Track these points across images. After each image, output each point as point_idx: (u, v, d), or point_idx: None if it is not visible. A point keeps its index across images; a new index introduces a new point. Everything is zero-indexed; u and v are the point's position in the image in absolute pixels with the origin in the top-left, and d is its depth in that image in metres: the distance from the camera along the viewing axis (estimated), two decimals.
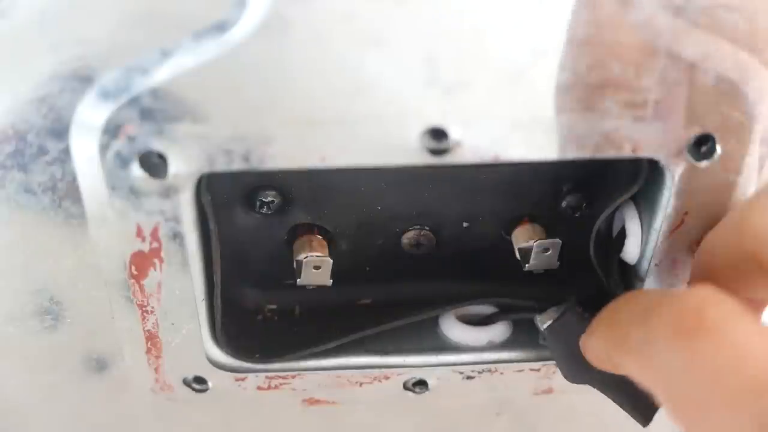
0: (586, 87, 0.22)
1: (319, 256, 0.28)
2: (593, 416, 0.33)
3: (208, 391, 0.30)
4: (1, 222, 0.25)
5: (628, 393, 0.26)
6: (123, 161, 0.23)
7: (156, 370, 0.30)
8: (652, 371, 0.20)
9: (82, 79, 0.22)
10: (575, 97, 0.22)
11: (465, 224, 0.30)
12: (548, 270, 0.30)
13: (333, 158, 0.23)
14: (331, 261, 0.28)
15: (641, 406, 0.26)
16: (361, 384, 0.31)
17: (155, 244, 0.25)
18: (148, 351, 0.29)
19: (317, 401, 0.32)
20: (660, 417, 0.26)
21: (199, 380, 0.30)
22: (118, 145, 0.23)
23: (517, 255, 0.29)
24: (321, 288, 0.29)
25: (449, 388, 0.31)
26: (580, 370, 0.26)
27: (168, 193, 0.24)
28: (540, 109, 0.23)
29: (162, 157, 0.23)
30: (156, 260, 0.26)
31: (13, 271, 0.27)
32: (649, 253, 0.27)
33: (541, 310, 0.28)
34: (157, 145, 0.23)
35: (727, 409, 0.18)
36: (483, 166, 0.25)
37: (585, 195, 0.29)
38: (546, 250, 0.29)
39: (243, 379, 0.30)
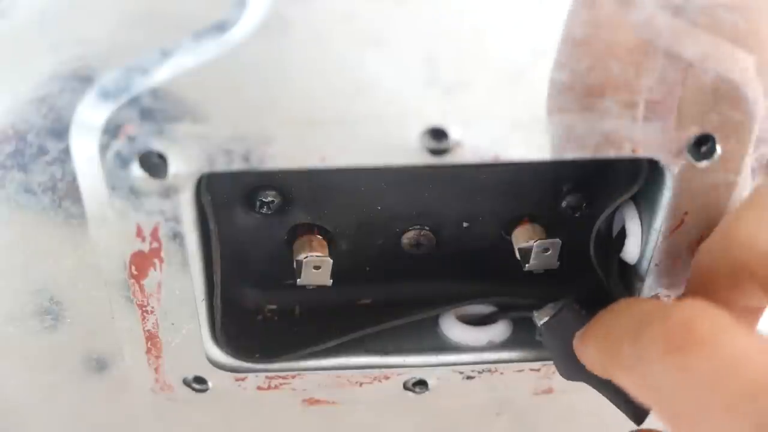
0: (586, 87, 0.22)
1: (319, 256, 0.28)
2: (593, 416, 0.33)
3: (208, 391, 0.30)
4: (1, 222, 0.25)
5: (622, 392, 0.26)
6: (123, 161, 0.23)
7: (156, 370, 0.30)
8: (646, 388, 0.21)
9: (82, 79, 0.22)
10: (575, 97, 0.22)
11: (465, 224, 0.30)
12: (548, 270, 0.30)
13: (333, 158, 0.23)
14: (331, 261, 0.28)
15: (635, 405, 0.26)
16: (361, 384, 0.31)
17: (155, 244, 0.25)
18: (148, 351, 0.29)
19: (317, 401, 0.32)
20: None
21: (199, 380, 0.30)
22: (118, 145, 0.23)
23: (517, 255, 0.29)
24: (321, 288, 0.29)
25: (449, 388, 0.31)
26: (575, 368, 0.26)
27: (168, 193, 0.24)
28: (540, 109, 0.23)
29: (162, 157, 0.23)
30: (156, 260, 0.26)
31: (13, 271, 0.27)
32: (649, 253, 0.27)
33: (540, 307, 0.28)
34: (157, 145, 0.23)
35: (723, 415, 0.18)
36: (483, 166, 0.25)
37: (585, 195, 0.29)
38: (546, 250, 0.29)
39: (243, 379, 0.30)
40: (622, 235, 0.28)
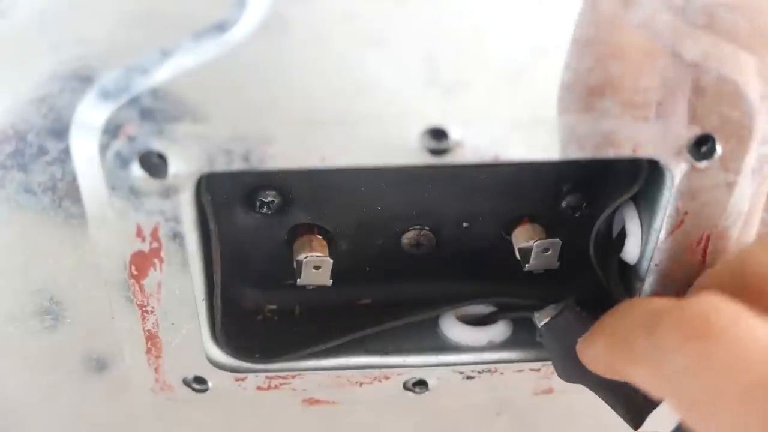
0: (587, 87, 0.22)
1: (319, 256, 0.28)
2: (593, 416, 0.33)
3: (208, 391, 0.30)
4: (1, 222, 0.25)
5: (621, 395, 0.26)
6: (123, 161, 0.23)
7: (156, 370, 0.30)
8: (662, 378, 0.21)
9: (82, 79, 0.22)
10: (575, 97, 0.22)
11: (465, 224, 0.30)
12: (548, 270, 0.30)
13: (333, 158, 0.23)
14: (331, 261, 0.28)
15: (633, 409, 0.26)
16: (361, 384, 0.31)
17: (155, 244, 0.25)
18: (148, 351, 0.29)
19: (317, 401, 0.32)
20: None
21: (199, 380, 0.30)
22: (118, 145, 0.23)
23: (517, 255, 0.29)
24: (321, 288, 0.29)
25: (449, 388, 0.31)
26: (574, 370, 0.26)
27: (168, 193, 0.24)
28: (540, 109, 0.23)
29: (162, 157, 0.23)
30: (156, 260, 0.26)
31: (13, 271, 0.27)
32: (649, 253, 0.27)
33: (540, 308, 0.28)
34: (157, 145, 0.23)
35: (739, 403, 0.18)
36: (483, 166, 0.25)
37: (585, 195, 0.29)
38: (546, 250, 0.29)
39: (243, 379, 0.30)
40: (622, 235, 0.28)
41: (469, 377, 0.31)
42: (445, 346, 0.31)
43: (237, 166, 0.23)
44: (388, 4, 0.21)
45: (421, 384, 0.31)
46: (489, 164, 0.24)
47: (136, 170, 0.23)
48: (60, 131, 0.23)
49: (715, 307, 0.20)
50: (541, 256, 0.29)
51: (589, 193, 0.29)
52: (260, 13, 0.21)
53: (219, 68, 0.22)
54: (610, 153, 0.23)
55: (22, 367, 0.30)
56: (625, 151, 0.23)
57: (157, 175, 0.23)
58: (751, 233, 0.27)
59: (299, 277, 0.29)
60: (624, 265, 0.28)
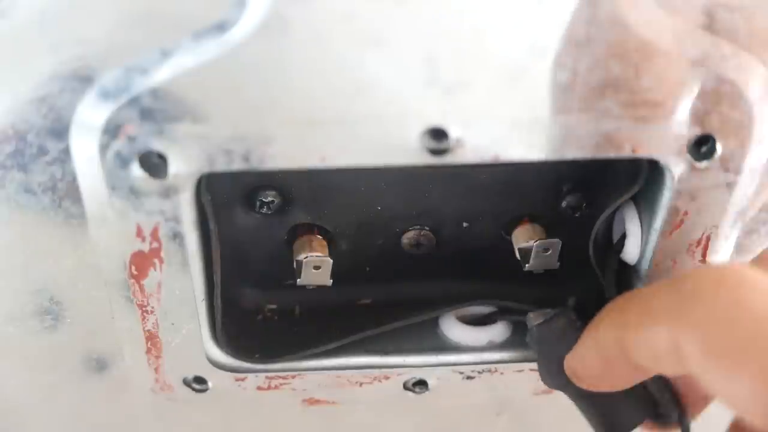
0: (586, 87, 0.22)
1: (319, 256, 0.28)
2: None
3: (208, 391, 0.30)
4: (1, 222, 0.25)
5: (599, 408, 0.26)
6: (123, 161, 0.23)
7: (156, 370, 0.30)
8: (689, 327, 0.20)
9: (82, 79, 0.22)
10: (575, 97, 0.22)
11: (465, 224, 0.30)
12: (548, 270, 0.30)
13: (333, 158, 0.23)
14: (331, 261, 0.28)
15: (611, 423, 0.26)
16: (361, 384, 0.31)
17: (155, 244, 0.25)
18: (148, 351, 0.29)
19: (317, 401, 0.32)
20: None
21: (199, 380, 0.30)
22: (118, 145, 0.23)
23: (517, 255, 0.29)
24: (321, 288, 0.29)
25: (449, 388, 0.31)
26: (559, 376, 0.26)
27: (168, 193, 0.24)
28: (540, 109, 0.23)
29: (162, 157, 0.23)
30: (156, 260, 0.26)
31: (13, 271, 0.27)
32: (649, 253, 0.27)
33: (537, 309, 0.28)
34: (157, 145, 0.23)
35: None
36: (483, 166, 0.25)
37: (585, 195, 0.29)
38: (546, 250, 0.29)
39: (243, 379, 0.30)
40: (623, 236, 0.28)
41: (469, 377, 0.31)
42: (445, 346, 0.31)
43: (237, 166, 0.23)
44: (388, 4, 0.21)
45: (421, 384, 0.31)
46: (489, 164, 0.24)
47: (136, 170, 0.23)
48: (60, 131, 0.23)
49: (743, 267, 0.20)
50: (541, 256, 0.29)
51: (589, 193, 0.29)
52: (260, 13, 0.21)
53: (219, 68, 0.22)
54: (610, 153, 0.23)
55: (22, 367, 0.30)
56: (624, 151, 0.23)
57: (157, 175, 0.23)
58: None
59: (299, 277, 0.29)
60: (624, 265, 0.28)
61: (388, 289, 0.31)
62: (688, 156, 0.24)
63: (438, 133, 0.23)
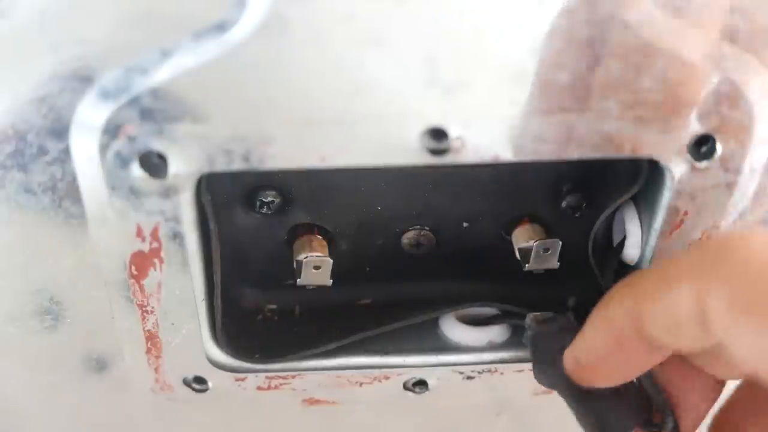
0: (586, 87, 0.22)
1: (319, 256, 0.28)
2: None
3: (208, 391, 0.30)
4: (1, 222, 0.25)
5: (594, 410, 0.26)
6: (123, 161, 0.23)
7: (156, 370, 0.30)
8: (720, 280, 0.19)
9: (82, 79, 0.22)
10: (575, 97, 0.22)
11: (465, 224, 0.30)
12: (548, 270, 0.30)
13: (333, 158, 0.23)
14: (331, 261, 0.28)
15: (603, 427, 0.26)
16: (361, 384, 0.31)
17: (155, 244, 0.25)
18: (148, 351, 0.29)
19: (317, 401, 0.32)
20: None
21: (199, 380, 0.30)
22: (118, 145, 0.23)
23: (517, 255, 0.29)
24: (321, 288, 0.29)
25: (449, 388, 0.31)
26: (553, 373, 0.26)
27: (168, 193, 0.24)
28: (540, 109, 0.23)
29: (162, 157, 0.23)
30: (156, 260, 0.26)
31: (13, 271, 0.27)
32: (649, 253, 0.27)
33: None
34: (157, 145, 0.23)
35: None
36: (483, 166, 0.25)
37: (585, 195, 0.29)
38: (546, 250, 0.29)
39: (243, 379, 0.30)
40: (624, 236, 0.28)
41: (469, 377, 0.31)
42: (445, 347, 0.31)
43: (237, 166, 0.23)
44: (388, 4, 0.21)
45: (421, 384, 0.31)
46: (489, 164, 0.24)
47: (136, 170, 0.23)
48: (60, 131, 0.23)
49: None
50: (541, 256, 0.29)
51: (589, 193, 0.29)
52: (260, 13, 0.21)
53: (219, 68, 0.22)
54: (610, 153, 0.23)
55: (22, 367, 0.30)
56: (624, 151, 0.23)
57: (157, 175, 0.23)
58: None
59: (299, 277, 0.29)
60: (624, 266, 0.28)
61: (388, 289, 0.31)
62: (688, 156, 0.24)
63: (438, 133, 0.23)
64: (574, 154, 0.23)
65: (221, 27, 0.21)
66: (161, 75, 0.22)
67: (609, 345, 0.23)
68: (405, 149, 0.23)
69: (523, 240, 0.29)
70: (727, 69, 0.22)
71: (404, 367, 0.30)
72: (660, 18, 0.22)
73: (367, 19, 0.21)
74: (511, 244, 0.30)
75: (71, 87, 0.22)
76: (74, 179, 0.24)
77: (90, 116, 0.23)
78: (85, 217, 0.25)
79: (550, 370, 0.26)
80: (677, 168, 0.24)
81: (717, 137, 0.23)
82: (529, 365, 0.30)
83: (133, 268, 0.26)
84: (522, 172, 0.28)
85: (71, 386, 0.31)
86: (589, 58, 0.22)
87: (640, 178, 0.25)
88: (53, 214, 0.25)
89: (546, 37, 0.21)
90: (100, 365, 0.30)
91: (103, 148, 0.23)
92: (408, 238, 0.30)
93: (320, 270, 0.29)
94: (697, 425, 0.25)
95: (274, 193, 0.28)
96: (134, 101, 0.22)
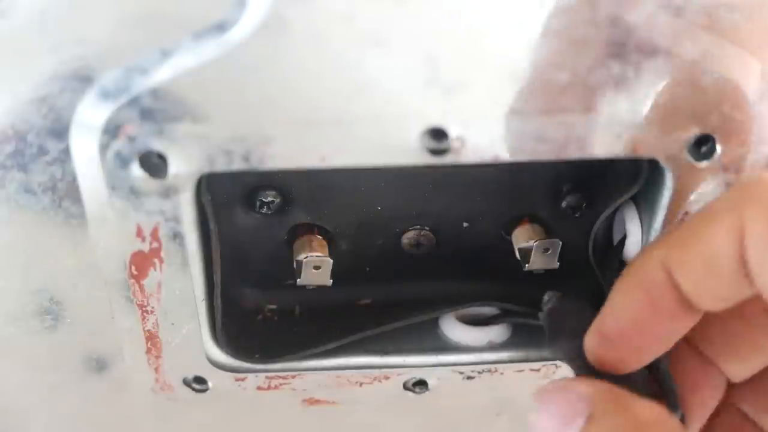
0: (586, 87, 0.22)
1: (319, 256, 0.28)
2: None
3: (208, 391, 0.30)
4: (1, 222, 0.25)
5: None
6: (123, 161, 0.23)
7: (156, 370, 0.30)
8: (757, 205, 0.19)
9: (82, 79, 0.22)
10: (575, 97, 0.22)
11: (465, 224, 0.30)
12: (548, 270, 0.30)
13: (333, 158, 0.23)
14: (331, 261, 0.28)
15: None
16: (361, 384, 0.31)
17: (155, 244, 0.25)
18: (148, 351, 0.29)
19: (317, 401, 0.32)
20: None
21: (199, 380, 0.30)
22: (118, 145, 0.23)
23: (517, 255, 0.29)
24: (321, 288, 0.29)
25: (449, 388, 0.31)
26: (572, 348, 0.25)
27: (168, 193, 0.24)
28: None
29: (162, 157, 0.23)
30: (156, 260, 0.26)
31: (13, 271, 0.27)
32: None
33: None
34: (157, 145, 0.23)
35: None
36: (483, 166, 0.25)
37: (585, 195, 0.29)
38: (546, 250, 0.29)
39: (243, 379, 0.30)
40: (624, 236, 0.28)
41: (469, 377, 0.31)
42: (445, 347, 0.31)
43: (237, 166, 0.23)
44: (388, 4, 0.21)
45: (421, 384, 0.31)
46: (489, 164, 0.24)
47: (136, 170, 0.23)
48: (60, 131, 0.23)
49: None
50: (541, 256, 0.29)
51: (589, 193, 0.29)
52: (260, 13, 0.21)
53: (219, 68, 0.22)
54: (610, 153, 0.23)
55: (23, 367, 0.30)
56: (625, 151, 0.23)
57: (157, 175, 0.23)
58: None
59: (299, 277, 0.29)
60: (624, 266, 0.28)
61: (388, 289, 0.31)
62: (688, 156, 0.24)
63: (438, 133, 0.23)
64: (574, 154, 0.23)
65: (221, 27, 0.21)
66: (161, 75, 0.22)
67: (640, 304, 0.21)
68: (405, 149, 0.23)
69: (523, 240, 0.29)
70: (727, 69, 0.22)
71: (404, 367, 0.30)
72: (660, 18, 0.22)
73: (367, 19, 0.21)
74: (511, 244, 0.30)
75: (71, 87, 0.22)
76: (74, 179, 0.24)
77: (90, 116, 0.23)
78: (85, 217, 0.25)
79: (565, 342, 0.25)
80: (677, 168, 0.24)
81: (717, 137, 0.23)
82: (529, 365, 0.30)
83: (133, 268, 0.26)
84: (522, 172, 0.28)
85: (71, 386, 0.31)
86: (589, 58, 0.22)
87: (640, 178, 0.25)
88: (53, 214, 0.25)
89: (546, 37, 0.21)
90: (100, 365, 0.30)
91: (103, 148, 0.23)
92: (408, 238, 0.30)
93: (320, 270, 0.29)
94: (701, 423, 0.25)
95: (274, 193, 0.28)
96: (134, 101, 0.22)
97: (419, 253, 0.31)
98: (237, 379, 0.30)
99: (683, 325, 0.22)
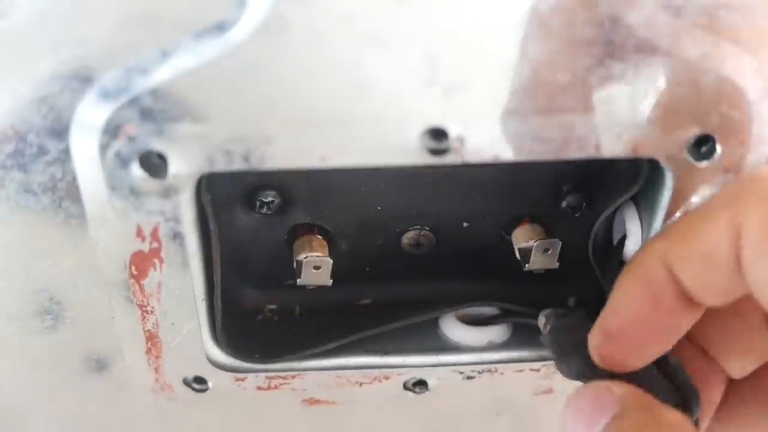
0: (586, 87, 0.22)
1: (319, 256, 0.28)
2: None
3: (208, 391, 0.30)
4: (1, 222, 0.25)
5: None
6: (123, 161, 0.23)
7: (156, 370, 0.30)
8: (760, 199, 0.19)
9: (82, 79, 0.22)
10: (575, 97, 0.22)
11: (465, 224, 0.30)
12: (548, 270, 0.30)
13: (333, 158, 0.23)
14: (331, 261, 0.28)
15: None
16: (361, 384, 0.31)
17: (155, 244, 0.25)
18: (148, 351, 0.29)
19: (317, 401, 0.32)
20: None
21: (199, 380, 0.30)
22: (118, 145, 0.23)
23: (517, 255, 0.29)
24: (321, 288, 0.29)
25: (449, 388, 0.31)
26: (581, 363, 0.25)
27: (168, 193, 0.24)
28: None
29: (162, 157, 0.23)
30: (156, 260, 0.26)
31: (14, 271, 0.27)
32: None
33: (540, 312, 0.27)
34: (157, 145, 0.23)
35: None
36: (483, 166, 0.25)
37: (585, 195, 0.29)
38: (546, 250, 0.29)
39: (243, 379, 0.30)
40: (624, 236, 0.28)
41: (469, 377, 0.31)
42: (445, 346, 0.31)
43: (237, 166, 0.23)
44: (388, 4, 0.21)
45: (421, 384, 0.31)
46: (489, 164, 0.24)
47: (136, 170, 0.23)
48: (60, 131, 0.23)
49: None
50: (541, 256, 0.29)
51: (589, 193, 0.29)
52: (260, 13, 0.21)
53: (219, 68, 0.22)
54: (610, 153, 0.23)
55: (23, 367, 0.30)
56: (624, 151, 0.23)
57: (157, 175, 0.23)
58: None
59: (299, 277, 0.29)
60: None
61: (388, 289, 0.31)
62: (688, 156, 0.24)
63: (438, 133, 0.23)
64: (573, 154, 0.23)
65: (221, 27, 0.21)
66: (161, 75, 0.22)
67: (642, 300, 0.22)
68: (405, 149, 0.23)
69: (523, 240, 0.29)
70: (727, 69, 0.22)
71: (404, 367, 0.30)
72: (660, 18, 0.22)
73: (367, 19, 0.21)
74: (511, 244, 0.30)
75: (71, 87, 0.22)
76: (74, 179, 0.24)
77: (90, 116, 0.23)
78: (85, 217, 0.25)
79: (574, 358, 0.25)
80: (677, 168, 0.24)
81: (717, 137, 0.23)
82: (529, 365, 0.30)
83: (133, 268, 0.26)
84: (522, 172, 0.28)
85: (71, 386, 0.31)
86: (589, 58, 0.22)
87: (640, 178, 0.25)
88: (53, 214, 0.25)
89: (546, 37, 0.21)
90: (100, 365, 0.30)
91: (103, 148, 0.23)
92: (408, 238, 0.30)
93: (320, 270, 0.29)
94: (708, 419, 0.25)
95: (274, 193, 0.28)
96: (134, 101, 0.22)
97: (419, 253, 0.31)
98: (237, 379, 0.30)
99: (685, 321, 0.22)
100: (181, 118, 0.22)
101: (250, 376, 0.30)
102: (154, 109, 0.22)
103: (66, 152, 0.23)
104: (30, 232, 0.25)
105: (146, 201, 0.24)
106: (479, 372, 0.31)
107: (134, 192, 0.24)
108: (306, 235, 0.29)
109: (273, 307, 0.31)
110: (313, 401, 0.31)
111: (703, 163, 0.24)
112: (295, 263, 0.29)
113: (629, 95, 0.22)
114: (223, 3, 0.21)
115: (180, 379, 0.30)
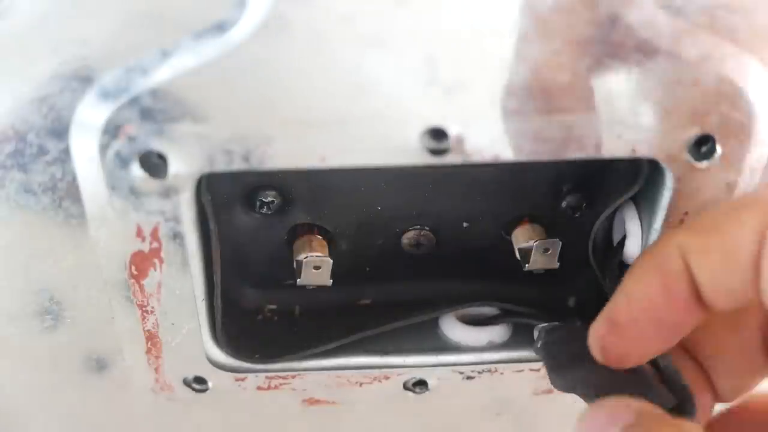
0: (586, 87, 0.22)
1: (319, 256, 0.28)
2: None
3: (208, 391, 0.30)
4: (1, 222, 0.25)
5: None
6: (123, 161, 0.23)
7: (156, 370, 0.30)
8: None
9: (82, 79, 0.22)
10: (575, 97, 0.22)
11: (465, 224, 0.30)
12: (548, 270, 0.30)
13: (333, 158, 0.23)
14: (331, 261, 0.28)
15: None
16: (361, 384, 0.31)
17: (155, 244, 0.25)
18: (148, 351, 0.29)
19: (317, 401, 0.32)
20: None
21: (199, 380, 0.30)
22: (118, 145, 0.23)
23: (517, 255, 0.29)
24: (321, 288, 0.29)
25: (449, 388, 0.31)
26: (574, 375, 0.25)
27: (168, 193, 0.24)
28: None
29: (162, 157, 0.23)
30: (156, 260, 0.26)
31: (14, 271, 0.27)
32: None
33: (541, 316, 0.28)
34: (157, 145, 0.23)
35: None
36: (483, 166, 0.25)
37: (585, 195, 0.29)
38: (546, 250, 0.29)
39: (243, 379, 0.30)
40: (624, 236, 0.28)
41: (469, 377, 0.31)
42: (445, 347, 0.31)
43: (237, 166, 0.23)
44: (388, 4, 0.21)
45: (421, 384, 0.31)
46: (489, 164, 0.24)
47: (136, 170, 0.23)
48: (60, 131, 0.23)
49: None
50: (541, 256, 0.29)
51: (589, 193, 0.29)
52: (260, 14, 0.21)
53: (219, 68, 0.22)
54: (610, 153, 0.23)
55: (23, 367, 0.30)
56: (625, 151, 0.23)
57: (157, 175, 0.23)
58: None
59: (299, 277, 0.29)
60: (625, 265, 0.28)
61: (388, 289, 0.31)
62: (688, 156, 0.24)
63: (438, 133, 0.23)
64: (574, 154, 0.23)
65: (221, 27, 0.21)
66: (161, 75, 0.22)
67: (655, 290, 0.21)
68: (405, 149, 0.23)
69: (523, 240, 0.29)
70: (727, 69, 0.22)
71: (404, 367, 0.30)
72: (660, 18, 0.22)
73: (367, 20, 0.21)
74: (511, 244, 0.30)
75: (71, 87, 0.22)
76: (74, 179, 0.24)
77: (90, 116, 0.23)
78: (85, 217, 0.25)
79: (568, 371, 0.25)
80: (677, 168, 0.24)
81: (717, 137, 0.23)
82: (529, 365, 0.30)
83: (133, 268, 0.26)
84: (522, 172, 0.28)
85: (71, 386, 0.31)
86: (589, 58, 0.22)
87: (640, 178, 0.25)
88: (53, 214, 0.25)
89: (546, 37, 0.21)
90: (100, 365, 0.30)
91: (103, 148, 0.23)
92: (408, 238, 0.30)
93: (320, 270, 0.29)
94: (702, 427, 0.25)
95: (274, 193, 0.28)
96: (134, 101, 0.22)
97: (419, 253, 0.31)
98: (237, 379, 0.30)
99: (691, 320, 0.22)
100: (181, 118, 0.22)
101: (250, 376, 0.30)
102: (154, 109, 0.22)
103: (66, 152, 0.23)
104: (30, 232, 0.25)
105: (146, 201, 0.24)
106: (479, 372, 0.31)
107: (134, 192, 0.24)
108: (306, 235, 0.29)
109: (273, 307, 0.31)
110: (313, 401, 0.31)
111: (703, 163, 0.24)
112: (295, 263, 0.29)
113: (629, 95, 0.22)
114: (223, 3, 0.21)
115: (180, 379, 0.30)
